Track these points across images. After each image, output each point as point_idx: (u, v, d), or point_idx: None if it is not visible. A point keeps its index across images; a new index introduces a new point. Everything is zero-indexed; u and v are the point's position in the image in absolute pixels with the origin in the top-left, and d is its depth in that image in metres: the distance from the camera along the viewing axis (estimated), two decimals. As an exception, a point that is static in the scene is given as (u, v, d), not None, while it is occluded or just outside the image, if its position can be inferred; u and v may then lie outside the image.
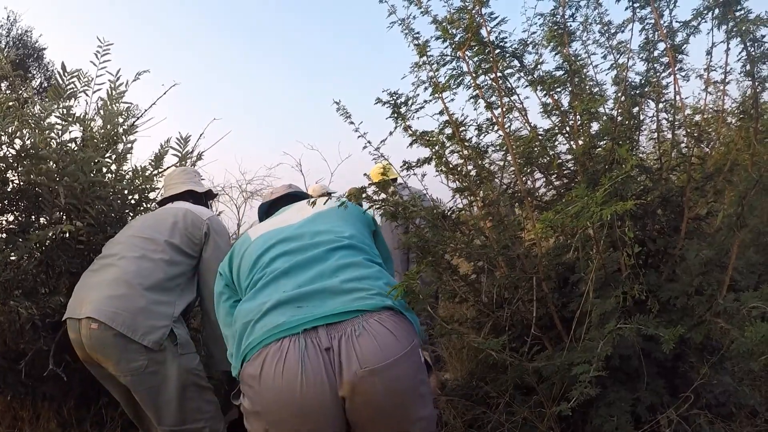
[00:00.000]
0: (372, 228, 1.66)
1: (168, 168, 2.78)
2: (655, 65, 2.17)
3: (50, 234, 2.19)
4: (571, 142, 2.12)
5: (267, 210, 1.89)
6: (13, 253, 2.31)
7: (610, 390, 1.98)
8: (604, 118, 2.05)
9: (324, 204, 1.61)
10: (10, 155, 2.47)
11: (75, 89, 2.38)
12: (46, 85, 13.24)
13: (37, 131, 2.35)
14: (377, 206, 1.71)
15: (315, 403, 1.09)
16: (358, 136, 2.02)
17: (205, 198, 2.49)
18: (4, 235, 2.50)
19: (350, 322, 1.15)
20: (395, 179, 3.02)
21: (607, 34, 2.26)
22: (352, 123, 2.03)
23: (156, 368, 1.92)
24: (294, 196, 1.87)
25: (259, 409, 1.17)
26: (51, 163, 2.27)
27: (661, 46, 2.13)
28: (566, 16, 2.07)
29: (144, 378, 1.90)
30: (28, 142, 2.46)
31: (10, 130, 2.28)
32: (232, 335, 1.36)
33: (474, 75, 1.82)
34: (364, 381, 1.09)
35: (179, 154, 2.74)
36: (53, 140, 2.41)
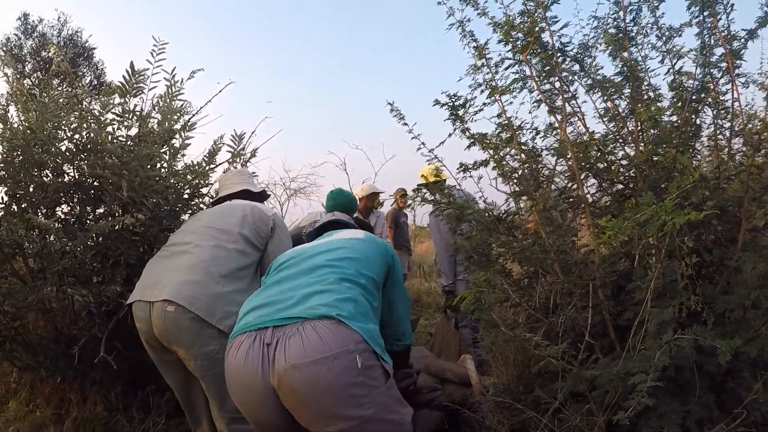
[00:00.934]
0: (388, 263, 1.82)
1: (220, 164, 2.84)
2: (712, 71, 2.13)
3: (112, 226, 2.25)
4: (626, 148, 2.09)
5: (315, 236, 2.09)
6: (70, 243, 2.38)
7: (662, 401, 1.95)
8: (663, 124, 2.01)
9: (356, 235, 1.84)
10: (68, 149, 2.55)
11: (141, 87, 2.44)
12: (95, 83, 13.72)
13: (95, 126, 2.41)
14: (436, 207, 1.72)
15: (250, 382, 1.39)
16: (412, 138, 2.02)
17: (259, 198, 2.53)
18: (60, 225, 2.58)
19: (292, 326, 1.39)
20: (445, 181, 3.03)
21: (664, 38, 2.22)
22: (405, 124, 2.04)
23: None
24: (339, 224, 2.07)
25: (227, 381, 1.49)
26: (114, 158, 2.33)
27: (718, 51, 2.09)
28: (627, 21, 2.04)
29: (214, 363, 1.93)
30: (85, 136, 2.54)
31: (71, 126, 2.34)
32: None
33: (537, 79, 1.80)
34: (287, 373, 1.34)
35: (233, 151, 2.79)
36: (110, 135, 2.47)
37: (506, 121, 1.94)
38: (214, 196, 2.63)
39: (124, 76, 2.43)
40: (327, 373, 1.32)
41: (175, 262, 2.06)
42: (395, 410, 1.47)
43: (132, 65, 2.40)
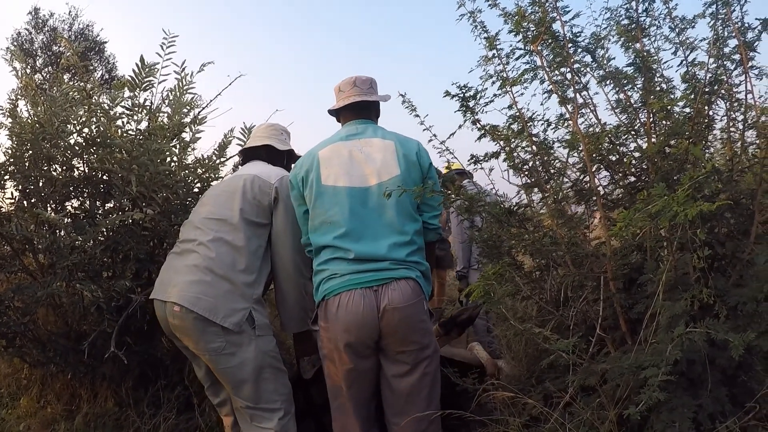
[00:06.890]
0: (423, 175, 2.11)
1: (231, 158, 2.84)
2: (726, 62, 2.11)
3: (119, 220, 2.25)
4: (638, 140, 2.08)
5: (338, 115, 2.21)
6: (79, 238, 2.38)
7: (673, 395, 1.94)
8: (676, 116, 1.99)
9: (391, 155, 2.01)
10: (77, 143, 2.55)
11: (151, 81, 2.44)
12: (107, 77, 13.75)
13: (104, 120, 2.41)
14: (445, 198, 1.72)
15: (365, 314, 1.90)
16: (423, 129, 2.01)
17: (286, 157, 2.43)
18: (69, 220, 2.58)
19: (392, 282, 1.92)
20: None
21: (677, 29, 2.20)
22: (417, 116, 2.02)
23: (233, 350, 1.98)
24: (363, 109, 2.12)
25: (333, 325, 1.94)
26: (123, 152, 2.32)
27: (732, 42, 2.07)
28: (639, 11, 2.02)
29: (221, 358, 1.97)
30: (94, 130, 2.54)
31: (80, 120, 2.33)
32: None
33: (549, 70, 1.79)
34: (388, 311, 1.90)
35: (243, 144, 2.77)
36: (120, 129, 2.47)
37: (517, 113, 1.93)
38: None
39: (134, 70, 2.42)
40: (413, 312, 1.92)
41: (184, 261, 2.08)
42: (434, 340, 2.07)
43: (142, 59, 2.40)
